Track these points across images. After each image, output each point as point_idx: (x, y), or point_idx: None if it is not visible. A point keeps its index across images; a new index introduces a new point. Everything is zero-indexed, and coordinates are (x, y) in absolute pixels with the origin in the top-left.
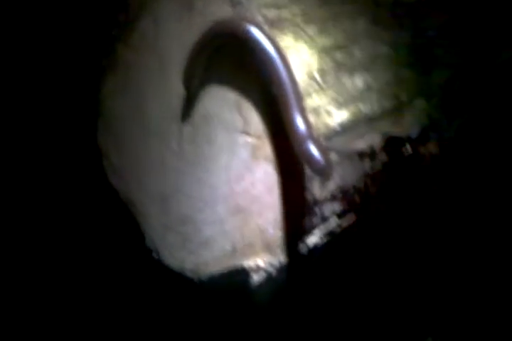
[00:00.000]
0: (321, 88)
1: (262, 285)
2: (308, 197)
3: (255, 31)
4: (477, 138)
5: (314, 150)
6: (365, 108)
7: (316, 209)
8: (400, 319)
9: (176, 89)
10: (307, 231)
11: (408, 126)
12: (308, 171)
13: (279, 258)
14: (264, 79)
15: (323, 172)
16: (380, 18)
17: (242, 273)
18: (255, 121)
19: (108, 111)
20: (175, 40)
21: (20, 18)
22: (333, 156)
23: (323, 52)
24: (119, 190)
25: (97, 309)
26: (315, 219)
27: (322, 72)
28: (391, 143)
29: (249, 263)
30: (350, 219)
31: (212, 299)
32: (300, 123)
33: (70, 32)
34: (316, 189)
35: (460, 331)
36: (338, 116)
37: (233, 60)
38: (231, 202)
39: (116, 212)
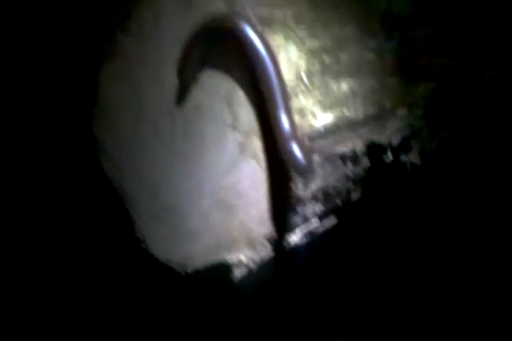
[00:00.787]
0: (308, 89)
1: (243, 279)
2: (292, 196)
3: (248, 28)
4: (460, 153)
5: (297, 151)
6: (349, 112)
7: (299, 209)
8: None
9: (171, 80)
10: (289, 229)
11: (390, 133)
12: (292, 170)
13: (261, 254)
14: (254, 75)
15: (305, 173)
16: (369, 26)
17: (225, 268)
18: (244, 117)
19: (105, 99)
20: (172, 32)
21: (22, 4)
22: (316, 157)
23: (312, 54)
24: (112, 178)
25: (84, 294)
26: (297, 219)
27: (309, 73)
28: (373, 149)
29: (231, 257)
30: (331, 221)
31: (198, 290)
32: (285, 122)
33: (69, 18)
34: (299, 188)
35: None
36: (322, 119)
37: (226, 55)
38: (217, 196)
39: (109, 201)
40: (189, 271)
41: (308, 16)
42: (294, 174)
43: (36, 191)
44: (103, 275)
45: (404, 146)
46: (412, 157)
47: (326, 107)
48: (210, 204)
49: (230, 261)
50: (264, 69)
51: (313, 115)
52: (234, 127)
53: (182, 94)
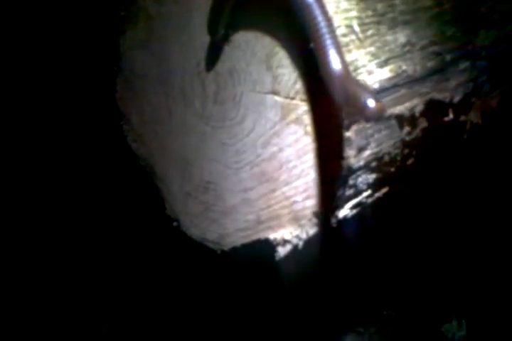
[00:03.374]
0: (360, 41)
1: (287, 258)
2: (342, 165)
3: None
4: None
5: (361, 90)
6: (407, 67)
7: (350, 180)
8: (426, 299)
9: (201, 43)
10: (339, 202)
11: (452, 89)
12: (344, 136)
13: (307, 230)
14: (299, 30)
15: (376, 116)
16: None
17: (267, 246)
18: (286, 79)
19: (128, 67)
20: None
21: None
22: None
23: (362, 0)
24: (139, 154)
25: (114, 278)
26: (348, 191)
27: (361, 23)
28: (432, 108)
29: (274, 235)
30: (383, 190)
31: (235, 270)
32: (338, 61)
33: None
34: (352, 157)
35: (484, 312)
36: (377, 75)
37: (263, 8)
38: (256, 168)
39: (135, 178)
40: (225, 249)
41: None
42: (347, 141)
43: (57, 170)
44: (134, 255)
45: (465, 104)
46: (473, 116)
47: (381, 61)
48: (249, 177)
49: (272, 239)
50: (311, 15)
51: (368, 71)
52: (273, 91)
53: (213, 56)
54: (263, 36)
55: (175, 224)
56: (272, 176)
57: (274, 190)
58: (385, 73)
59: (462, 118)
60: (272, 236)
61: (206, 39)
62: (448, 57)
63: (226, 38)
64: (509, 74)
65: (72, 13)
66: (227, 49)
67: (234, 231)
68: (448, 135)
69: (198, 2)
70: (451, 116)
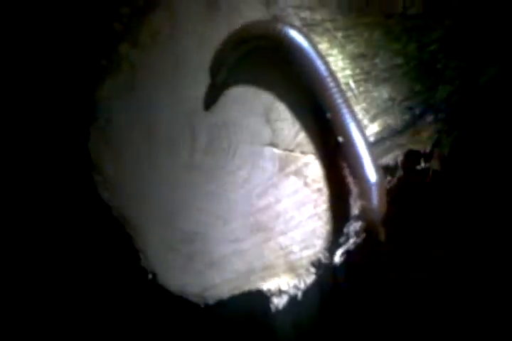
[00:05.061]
0: (356, 98)
1: (284, 309)
2: (343, 215)
3: (296, 34)
4: (470, 153)
5: (376, 198)
6: (390, 121)
7: (345, 228)
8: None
9: (192, 95)
10: (334, 250)
11: (424, 141)
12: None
13: (304, 280)
14: (304, 86)
15: (375, 219)
16: (392, 30)
17: (260, 297)
18: (286, 132)
19: (105, 116)
20: (194, 42)
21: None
22: None
23: (353, 60)
24: (111, 205)
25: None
26: (341, 239)
27: (355, 80)
28: (410, 158)
29: (268, 286)
30: (362, 236)
31: (222, 324)
32: (371, 165)
33: (64, 26)
34: (352, 207)
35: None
36: (370, 129)
37: (265, 64)
38: (250, 218)
39: (107, 230)
40: (210, 302)
41: (342, 21)
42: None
43: (29, 220)
44: (104, 308)
45: (429, 153)
46: (434, 164)
47: (371, 116)
48: (242, 227)
49: (265, 290)
50: (321, 79)
51: (364, 125)
52: (272, 143)
53: (209, 104)
54: (264, 90)
55: (150, 276)
56: (266, 226)
57: (268, 240)
58: (375, 127)
59: (426, 165)
60: (265, 286)
61: (198, 89)
62: (417, 111)
63: (226, 83)
64: (458, 124)
65: (50, 61)
66: (222, 101)
67: (221, 283)
68: (416, 181)
69: (190, 56)
70: (422, 165)
